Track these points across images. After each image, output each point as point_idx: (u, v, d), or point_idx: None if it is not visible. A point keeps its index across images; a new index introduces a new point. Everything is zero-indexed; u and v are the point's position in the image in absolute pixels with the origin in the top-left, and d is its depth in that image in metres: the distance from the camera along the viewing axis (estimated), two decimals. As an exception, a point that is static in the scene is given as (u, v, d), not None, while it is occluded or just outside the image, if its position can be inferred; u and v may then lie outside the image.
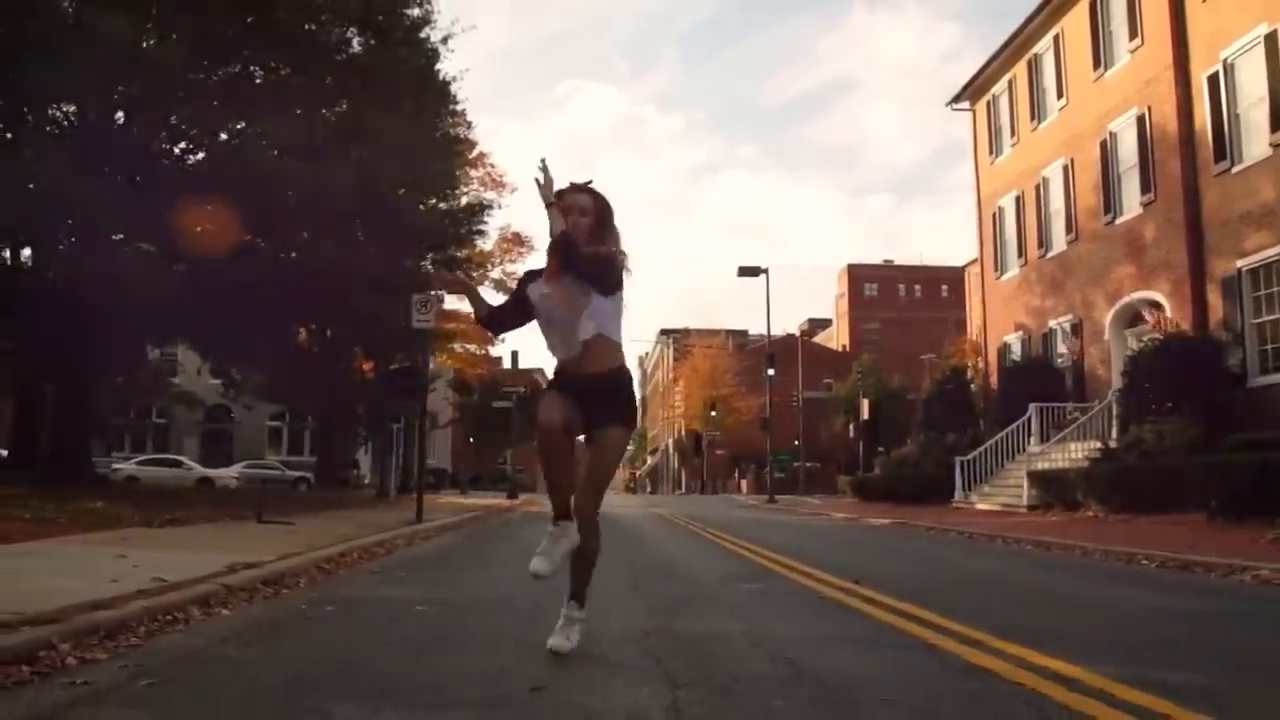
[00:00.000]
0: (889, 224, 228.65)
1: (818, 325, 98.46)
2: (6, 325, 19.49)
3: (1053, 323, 23.68)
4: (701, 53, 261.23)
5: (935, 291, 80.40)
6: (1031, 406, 21.30)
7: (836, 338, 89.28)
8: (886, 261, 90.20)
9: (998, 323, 27.20)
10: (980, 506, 20.61)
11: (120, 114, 17.86)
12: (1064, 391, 22.14)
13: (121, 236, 17.23)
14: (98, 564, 6.34)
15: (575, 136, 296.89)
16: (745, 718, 3.03)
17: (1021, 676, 3.54)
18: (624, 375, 4.07)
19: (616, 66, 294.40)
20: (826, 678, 3.58)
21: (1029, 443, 21.16)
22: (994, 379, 26.44)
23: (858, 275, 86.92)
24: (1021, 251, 25.66)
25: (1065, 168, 23.19)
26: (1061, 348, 22.66)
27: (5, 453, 24.60)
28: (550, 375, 4.18)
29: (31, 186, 15.82)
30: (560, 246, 3.80)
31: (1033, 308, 24.99)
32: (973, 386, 27.70)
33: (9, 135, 17.45)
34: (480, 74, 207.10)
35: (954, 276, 59.81)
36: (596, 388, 3.89)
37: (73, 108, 18.06)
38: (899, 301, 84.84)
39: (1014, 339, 26.04)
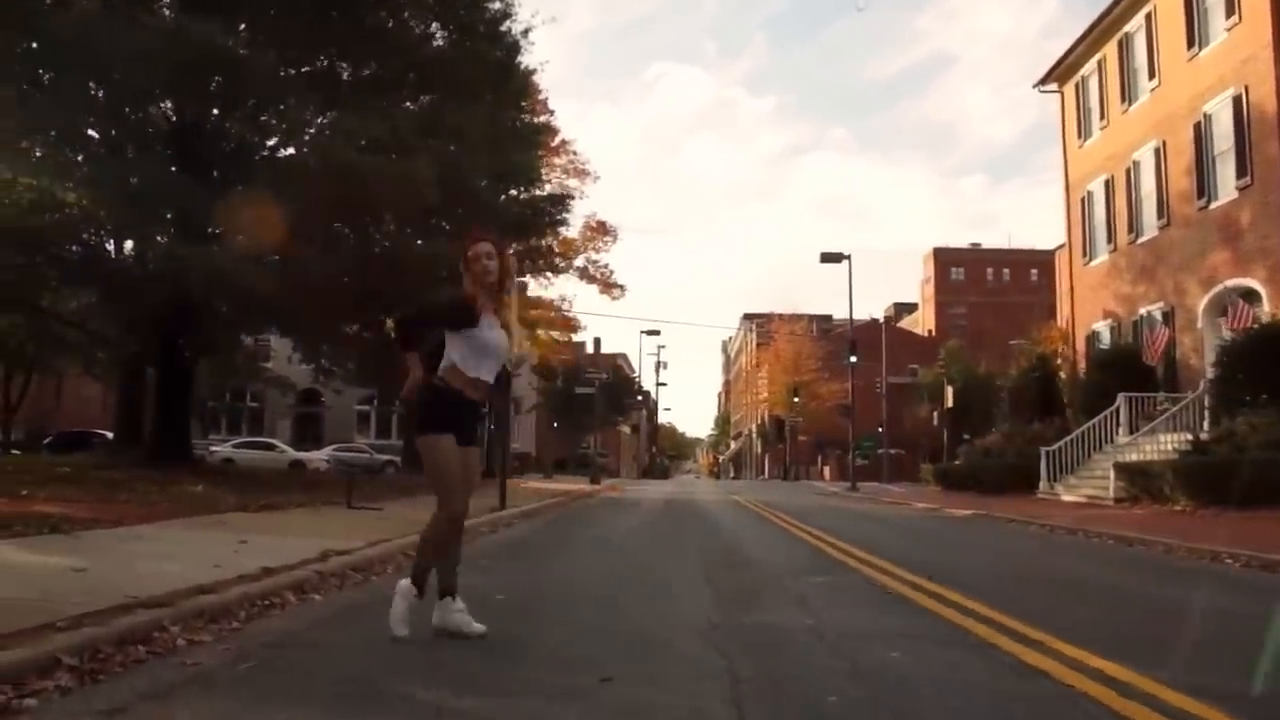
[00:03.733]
0: (983, 205, 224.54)
1: (903, 309, 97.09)
2: (111, 313, 20.44)
3: (1143, 310, 23.06)
4: (791, 34, 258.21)
5: (1024, 275, 78.65)
6: (1120, 396, 20.80)
7: (922, 322, 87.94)
8: (974, 245, 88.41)
9: (1086, 310, 26.58)
10: (1065, 498, 20.25)
11: (215, 111, 18.53)
12: (1155, 381, 21.56)
13: (216, 229, 17.89)
14: (200, 548, 6.77)
15: (664, 120, 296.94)
16: (801, 714, 3.15)
17: (1075, 680, 3.59)
18: None
19: (705, 49, 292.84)
20: (883, 675, 3.70)
21: (1117, 433, 20.69)
22: (1081, 367, 25.85)
23: (944, 259, 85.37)
24: (1111, 237, 25.02)
25: (1157, 150, 22.53)
26: (1151, 343, 22.03)
27: (110, 435, 25.85)
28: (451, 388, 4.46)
29: (134, 181, 16.59)
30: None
31: (1122, 295, 24.36)
32: (1060, 375, 27.15)
33: (113, 133, 18.28)
34: (568, 57, 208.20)
35: (1044, 260, 58.39)
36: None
37: (170, 105, 18.78)
38: (986, 286, 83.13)
39: (1103, 326, 25.44)
